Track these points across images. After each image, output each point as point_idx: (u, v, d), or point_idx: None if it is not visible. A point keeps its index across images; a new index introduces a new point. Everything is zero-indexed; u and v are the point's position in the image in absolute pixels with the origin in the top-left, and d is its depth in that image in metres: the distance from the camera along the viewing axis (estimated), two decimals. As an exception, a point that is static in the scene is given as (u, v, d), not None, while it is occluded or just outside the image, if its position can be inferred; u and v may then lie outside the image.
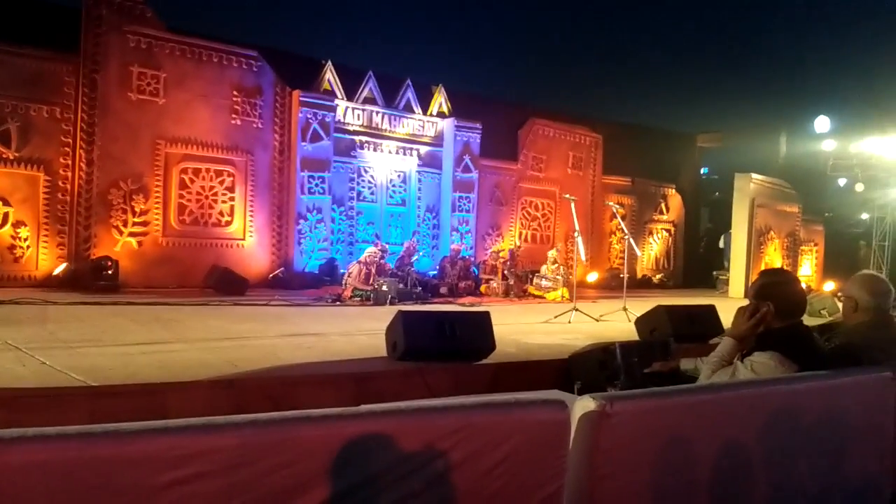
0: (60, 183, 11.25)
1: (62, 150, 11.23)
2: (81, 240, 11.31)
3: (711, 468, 2.55)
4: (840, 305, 5.23)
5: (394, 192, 15.11)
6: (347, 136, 14.18)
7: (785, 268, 16.90)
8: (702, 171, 23.82)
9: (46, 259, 11.16)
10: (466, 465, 2.03)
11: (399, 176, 15.14)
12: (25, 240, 10.98)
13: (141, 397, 4.29)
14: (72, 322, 7.33)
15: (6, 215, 10.83)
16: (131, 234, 11.74)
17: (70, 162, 11.30)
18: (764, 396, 2.74)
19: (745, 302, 3.25)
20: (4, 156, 10.75)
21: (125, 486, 1.63)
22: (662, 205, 20.29)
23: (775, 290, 3.11)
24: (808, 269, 20.13)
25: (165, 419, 1.79)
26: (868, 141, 20.27)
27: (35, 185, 11.05)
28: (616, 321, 9.28)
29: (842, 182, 22.79)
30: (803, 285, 3.49)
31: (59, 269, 11.17)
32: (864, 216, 23.04)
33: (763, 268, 17.59)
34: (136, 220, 11.77)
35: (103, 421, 1.83)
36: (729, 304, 6.54)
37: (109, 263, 10.93)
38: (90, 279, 10.70)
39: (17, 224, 10.92)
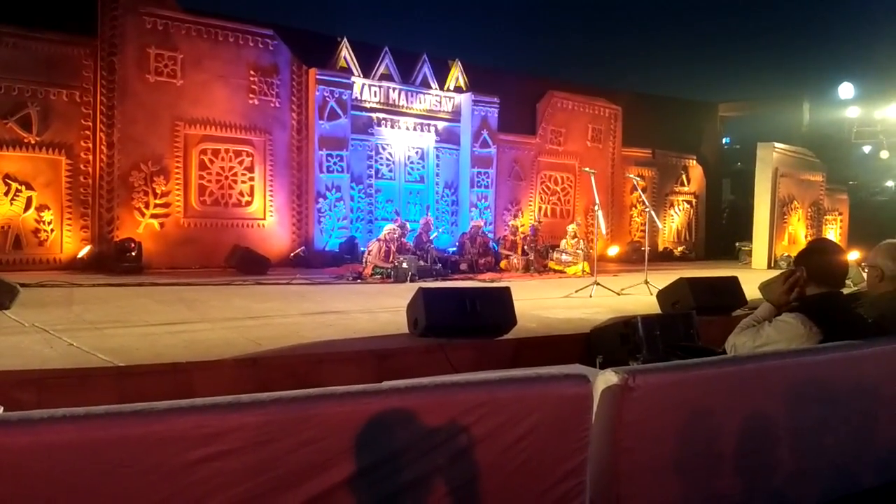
0: (82, 166, 11.33)
1: (83, 133, 11.31)
2: (104, 222, 11.41)
3: (735, 440, 2.55)
4: (865, 275, 5.15)
5: (412, 168, 15.07)
6: (364, 114, 14.14)
7: (827, 239, 16.68)
8: (723, 141, 23.53)
9: (71, 242, 11.29)
10: (489, 440, 2.04)
11: (417, 152, 15.10)
12: (49, 223, 11.10)
13: (167, 376, 4.35)
14: (97, 304, 7.43)
15: (29, 199, 10.94)
16: (153, 216, 11.83)
17: (91, 145, 11.37)
18: (788, 368, 2.72)
19: (769, 273, 3.24)
20: (26, 140, 10.84)
21: (154, 463, 1.65)
22: (683, 176, 20.07)
23: (811, 257, 3.13)
24: (832, 239, 19.87)
25: (192, 398, 1.81)
26: (893, 107, 19.93)
27: (57, 168, 11.15)
28: (638, 295, 9.24)
29: (866, 149, 22.46)
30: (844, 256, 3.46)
31: (84, 251, 11.29)
32: (890, 183, 22.70)
33: (787, 238, 17.45)
34: (157, 201, 11.85)
35: (131, 400, 1.86)
36: (752, 276, 6.49)
37: (133, 245, 11.04)
38: (114, 261, 10.82)
39: (41, 208, 11.03)
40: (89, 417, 1.62)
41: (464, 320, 5.53)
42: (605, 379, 2.27)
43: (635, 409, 2.26)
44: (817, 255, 3.14)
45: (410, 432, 1.93)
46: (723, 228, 21.50)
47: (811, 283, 3.04)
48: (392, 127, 14.59)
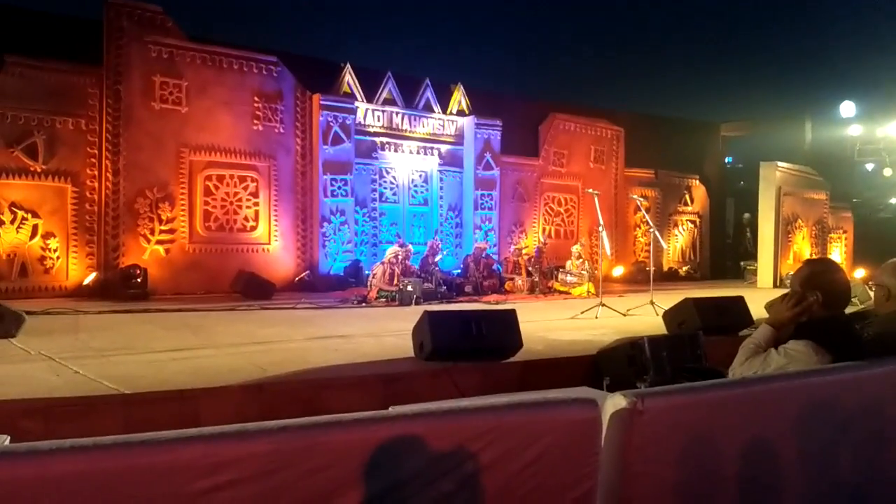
0: (88, 194, 11.39)
1: (88, 161, 11.38)
2: (110, 249, 11.45)
3: (744, 463, 2.52)
4: (871, 294, 5.13)
5: (416, 192, 15.12)
6: (368, 138, 14.22)
7: (828, 258, 16.62)
8: (726, 160, 23.57)
9: (76, 269, 11.32)
10: (498, 467, 2.02)
11: (420, 176, 15.16)
12: (55, 251, 11.13)
13: (174, 404, 4.34)
14: (103, 331, 7.43)
15: (35, 227, 10.99)
16: (159, 242, 11.86)
17: (96, 173, 11.44)
18: (797, 389, 2.70)
19: (775, 292, 3.21)
20: (32, 169, 10.91)
21: (161, 494, 1.64)
22: (687, 196, 20.09)
23: (825, 280, 3.03)
24: (837, 257, 19.82)
25: (198, 425, 1.81)
26: (895, 125, 19.95)
27: (63, 196, 11.21)
28: (643, 315, 9.22)
29: (869, 167, 22.46)
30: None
31: (89, 278, 11.32)
32: (893, 201, 22.67)
33: (791, 257, 17.39)
34: (162, 227, 11.90)
35: (138, 428, 1.86)
36: (757, 295, 6.47)
37: (138, 272, 11.06)
38: (120, 288, 10.83)
39: (47, 235, 11.08)
40: (97, 448, 1.61)
41: (469, 343, 5.51)
42: (614, 403, 2.25)
43: (645, 432, 2.24)
44: (830, 277, 3.06)
45: (418, 459, 1.91)
46: (731, 247, 21.45)
47: (821, 306, 2.99)
48: (395, 151, 14.66)
